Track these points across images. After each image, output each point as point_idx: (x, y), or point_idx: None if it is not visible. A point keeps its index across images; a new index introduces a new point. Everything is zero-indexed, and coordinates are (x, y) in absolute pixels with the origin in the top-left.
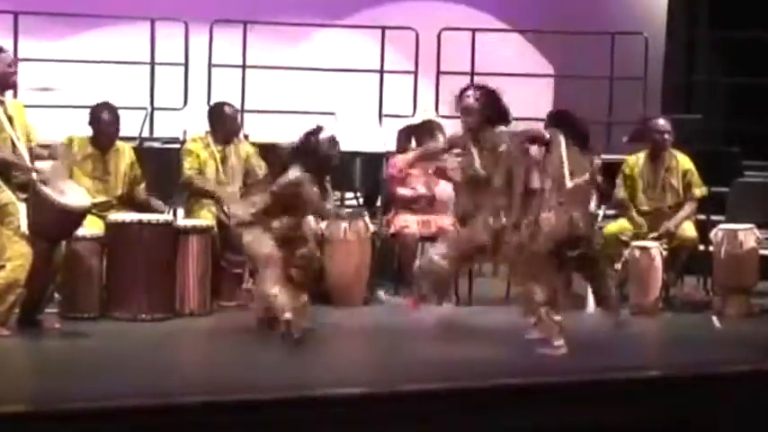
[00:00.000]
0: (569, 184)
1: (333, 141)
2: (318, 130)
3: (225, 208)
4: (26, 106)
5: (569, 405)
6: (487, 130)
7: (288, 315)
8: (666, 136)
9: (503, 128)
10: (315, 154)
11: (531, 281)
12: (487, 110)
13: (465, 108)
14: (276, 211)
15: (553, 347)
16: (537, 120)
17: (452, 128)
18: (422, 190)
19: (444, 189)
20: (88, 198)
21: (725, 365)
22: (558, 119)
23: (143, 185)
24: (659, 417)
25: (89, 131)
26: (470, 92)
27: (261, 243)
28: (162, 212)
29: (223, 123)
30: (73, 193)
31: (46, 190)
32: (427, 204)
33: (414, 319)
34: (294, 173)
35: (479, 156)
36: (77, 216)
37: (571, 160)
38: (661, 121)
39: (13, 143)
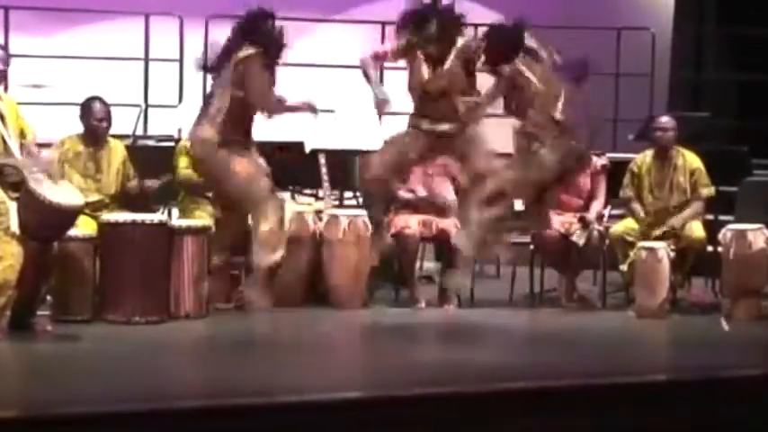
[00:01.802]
0: (559, 115)
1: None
2: (272, 15)
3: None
4: (17, 103)
5: (574, 409)
6: None
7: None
8: (668, 133)
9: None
10: (267, 35)
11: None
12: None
13: None
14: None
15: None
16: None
17: None
18: (422, 193)
19: (445, 190)
20: (81, 197)
21: (733, 369)
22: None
23: (135, 182)
24: (666, 421)
25: (80, 128)
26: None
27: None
28: (155, 189)
29: None
30: (66, 192)
31: (38, 189)
32: (429, 206)
33: (414, 321)
34: (249, 49)
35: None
36: (70, 216)
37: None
38: (663, 119)
39: (4, 140)
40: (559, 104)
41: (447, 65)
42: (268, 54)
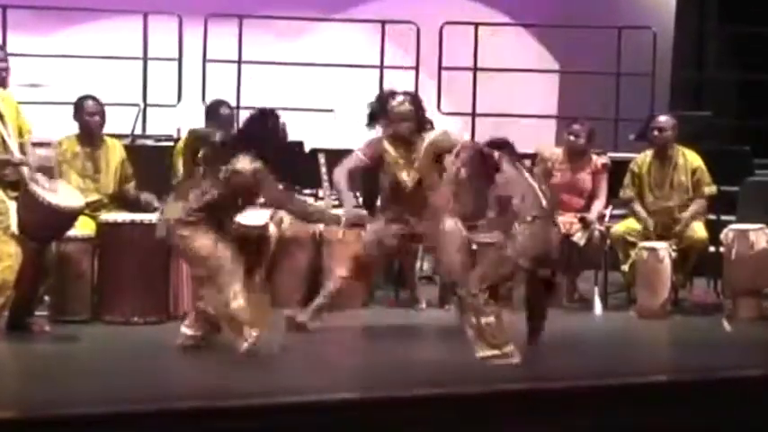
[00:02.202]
0: (544, 202)
1: (285, 128)
2: (272, 113)
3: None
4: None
5: (574, 410)
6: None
7: (255, 332)
8: (664, 133)
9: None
10: (271, 140)
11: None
12: (418, 115)
13: (400, 114)
14: (224, 207)
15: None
16: (541, 117)
17: (454, 125)
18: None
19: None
20: (81, 198)
21: (736, 370)
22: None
23: (133, 183)
24: (667, 422)
25: (76, 128)
26: (403, 97)
27: (209, 245)
28: (153, 207)
29: (221, 124)
30: (65, 192)
31: (37, 189)
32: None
33: (415, 321)
34: (246, 161)
35: (407, 162)
36: (69, 216)
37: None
38: (662, 118)
39: (3, 140)
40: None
41: (420, 157)
42: (266, 157)
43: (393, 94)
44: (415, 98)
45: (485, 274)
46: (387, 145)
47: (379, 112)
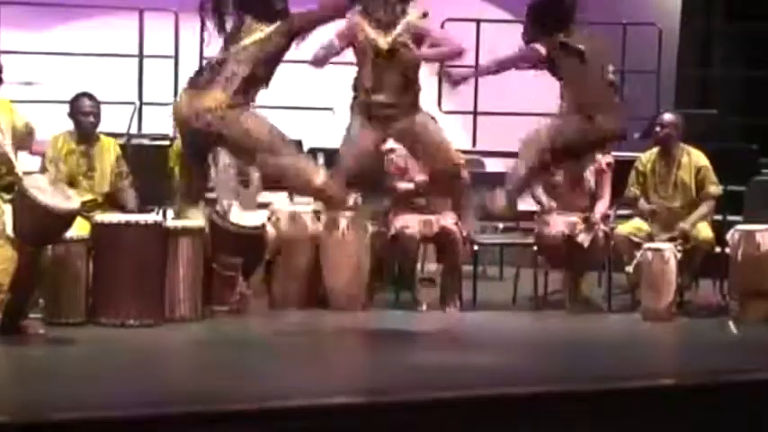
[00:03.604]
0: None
1: None
2: None
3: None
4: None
5: (578, 414)
6: None
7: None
8: (665, 130)
9: None
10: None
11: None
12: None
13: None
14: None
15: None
16: (543, 115)
17: (454, 125)
18: (419, 178)
19: None
20: (77, 200)
21: (742, 373)
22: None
23: (128, 181)
24: (672, 426)
25: (71, 126)
26: None
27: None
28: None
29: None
30: (61, 195)
31: (33, 191)
32: (429, 201)
33: (415, 324)
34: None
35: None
36: (65, 219)
37: None
38: (666, 116)
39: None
40: (610, 66)
41: (398, 29)
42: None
43: None
44: None
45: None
46: (362, 22)
47: None
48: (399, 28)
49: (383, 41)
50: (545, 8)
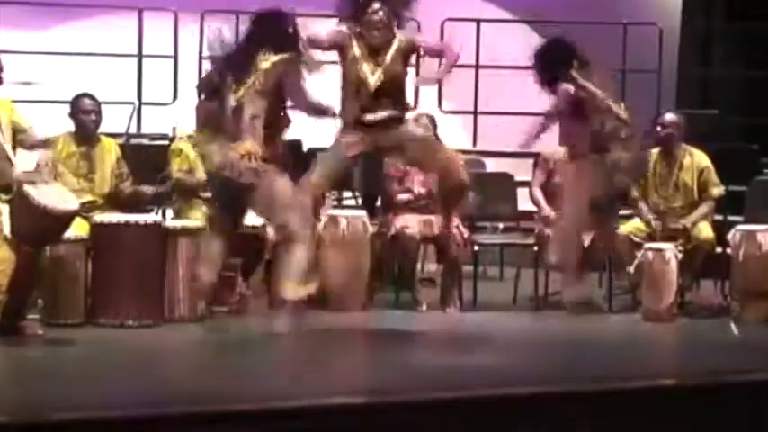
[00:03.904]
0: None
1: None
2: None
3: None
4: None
5: (578, 414)
6: None
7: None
8: (665, 130)
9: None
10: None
11: None
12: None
13: (372, 23)
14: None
15: None
16: (543, 115)
17: (454, 125)
18: (419, 190)
19: None
20: (76, 201)
21: (742, 373)
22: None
23: (129, 182)
24: (673, 426)
25: (71, 127)
26: (378, 5)
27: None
28: (150, 197)
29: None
30: (60, 195)
31: (31, 192)
32: (429, 202)
33: (415, 324)
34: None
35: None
36: (64, 220)
37: None
38: (667, 116)
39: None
40: (621, 104)
41: (388, 59)
42: (290, 51)
43: (370, 1)
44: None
45: None
46: (353, 40)
47: (352, 10)
48: (391, 52)
49: (373, 80)
50: (547, 52)
